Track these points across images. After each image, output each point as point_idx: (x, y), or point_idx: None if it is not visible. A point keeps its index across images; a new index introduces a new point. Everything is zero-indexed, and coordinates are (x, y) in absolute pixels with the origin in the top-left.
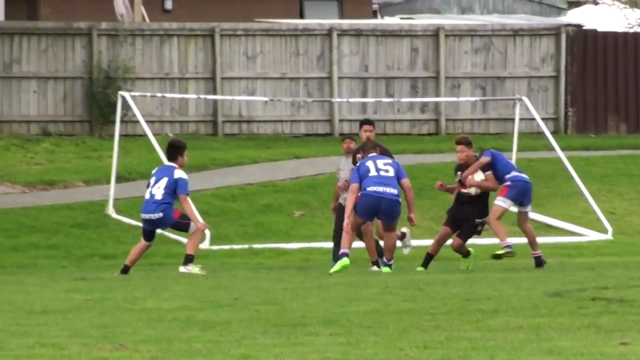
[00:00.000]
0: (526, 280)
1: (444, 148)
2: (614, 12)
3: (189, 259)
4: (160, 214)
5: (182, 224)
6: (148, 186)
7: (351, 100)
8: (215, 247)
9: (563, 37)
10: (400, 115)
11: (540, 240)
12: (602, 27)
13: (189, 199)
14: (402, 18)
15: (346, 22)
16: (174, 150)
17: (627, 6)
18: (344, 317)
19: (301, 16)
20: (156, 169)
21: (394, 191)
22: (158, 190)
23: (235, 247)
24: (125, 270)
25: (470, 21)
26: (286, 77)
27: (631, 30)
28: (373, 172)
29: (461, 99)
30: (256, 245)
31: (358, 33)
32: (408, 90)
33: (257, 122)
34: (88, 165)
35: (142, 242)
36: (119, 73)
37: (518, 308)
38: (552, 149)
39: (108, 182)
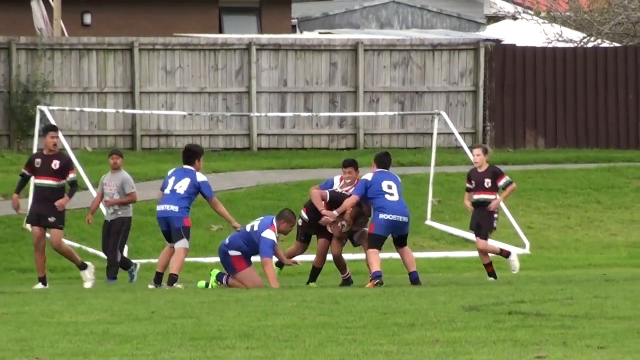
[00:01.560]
0: (443, 294)
1: (362, 162)
2: (532, 27)
3: (173, 279)
4: (176, 208)
5: (181, 234)
6: (163, 188)
7: (269, 114)
8: (133, 261)
9: (482, 51)
10: (318, 130)
11: (457, 254)
12: (521, 42)
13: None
14: (320, 33)
15: (265, 37)
16: (192, 154)
17: (546, 21)
18: (261, 331)
19: (220, 30)
20: (172, 170)
21: None
22: (180, 188)
23: (152, 260)
24: (159, 278)
25: (389, 36)
26: (205, 91)
27: (550, 45)
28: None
29: (380, 113)
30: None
31: (277, 47)
32: (327, 104)
33: (176, 136)
34: (6, 179)
35: (167, 246)
36: (38, 87)
37: (434, 322)
38: (470, 163)
39: (26, 196)
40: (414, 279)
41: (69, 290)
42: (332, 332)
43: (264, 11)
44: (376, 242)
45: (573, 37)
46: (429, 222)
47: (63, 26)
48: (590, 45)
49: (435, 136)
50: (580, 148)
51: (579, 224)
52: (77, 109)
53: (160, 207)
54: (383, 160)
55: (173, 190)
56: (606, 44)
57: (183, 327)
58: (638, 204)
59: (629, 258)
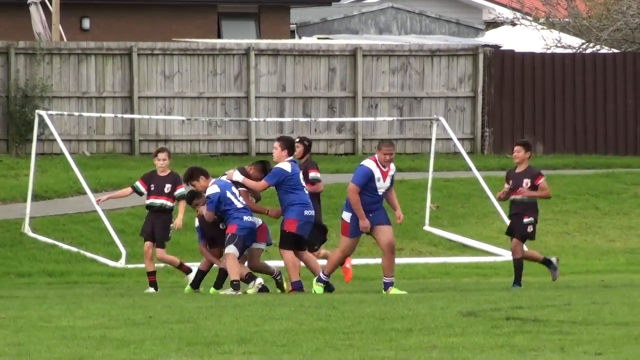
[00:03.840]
0: (441, 299)
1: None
2: (531, 33)
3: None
4: None
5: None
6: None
7: (268, 119)
8: (130, 266)
9: (481, 57)
10: (317, 135)
11: (455, 260)
12: (520, 48)
13: None
14: (319, 38)
15: (264, 42)
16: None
17: (545, 27)
18: (258, 336)
19: (219, 36)
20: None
21: None
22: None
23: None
24: (239, 283)
25: (387, 41)
26: (203, 96)
27: (549, 51)
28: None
29: (378, 118)
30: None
31: (275, 53)
32: (325, 110)
33: (174, 141)
34: (5, 183)
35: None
36: (37, 92)
37: (432, 327)
38: (468, 169)
39: (24, 200)
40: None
41: (67, 294)
42: (329, 338)
43: (262, 16)
44: (294, 243)
45: (572, 43)
46: (427, 227)
47: (62, 31)
48: (589, 51)
49: (433, 142)
50: (579, 154)
51: (577, 230)
52: (76, 113)
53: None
54: (293, 147)
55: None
56: (605, 50)
57: (180, 331)
58: (636, 210)
59: (627, 264)
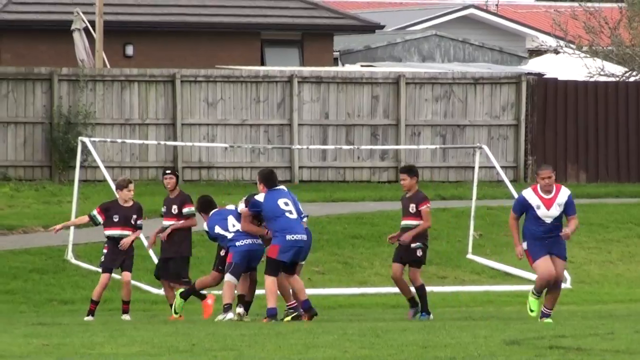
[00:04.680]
0: (484, 328)
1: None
2: (574, 61)
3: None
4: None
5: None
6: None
7: (311, 147)
8: None
9: (523, 85)
10: (360, 163)
11: (498, 288)
12: (562, 76)
13: None
14: (362, 65)
15: (307, 69)
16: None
17: (588, 55)
18: None
19: (262, 63)
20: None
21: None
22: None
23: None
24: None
25: (431, 69)
26: (246, 123)
27: (591, 80)
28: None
29: (421, 146)
30: (215, 292)
31: (319, 80)
32: (368, 137)
33: (217, 168)
34: (48, 210)
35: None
36: (80, 118)
37: (475, 356)
38: (511, 197)
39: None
40: (307, 307)
41: (110, 321)
42: None
43: (305, 44)
44: (277, 269)
45: (615, 71)
46: (470, 256)
47: (105, 57)
48: (632, 79)
49: (477, 170)
50: (622, 182)
51: (620, 259)
52: (119, 140)
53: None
54: (270, 177)
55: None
56: None
57: (224, 359)
58: None
59: None
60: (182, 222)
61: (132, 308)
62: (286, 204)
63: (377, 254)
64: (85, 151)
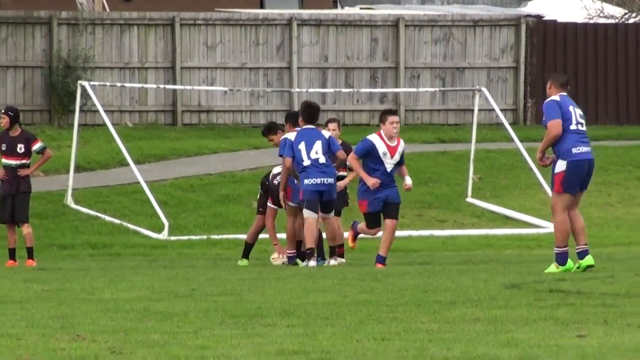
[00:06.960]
0: (484, 272)
1: (403, 138)
2: (574, 3)
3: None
4: (332, 180)
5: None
6: (291, 155)
7: (310, 90)
8: (173, 238)
9: (523, 27)
10: (359, 106)
11: (498, 231)
12: (562, 18)
13: None
14: (362, 8)
15: (306, 12)
16: (316, 111)
17: None
18: (301, 309)
19: (261, 6)
20: (296, 134)
21: None
22: (318, 155)
23: (193, 237)
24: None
25: (430, 11)
26: (246, 67)
27: (591, 21)
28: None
29: (420, 89)
30: (214, 236)
31: (318, 23)
32: (367, 80)
33: (217, 112)
34: None
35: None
36: (79, 62)
37: (475, 300)
38: (511, 140)
39: (67, 171)
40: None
41: (109, 267)
42: (373, 310)
43: None
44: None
45: (614, 13)
46: (469, 199)
47: (104, 1)
48: (631, 21)
49: (476, 113)
50: (622, 125)
51: (620, 202)
52: (118, 84)
53: (317, 180)
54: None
55: (315, 160)
56: None
57: (224, 304)
58: None
59: None
60: (42, 158)
61: (133, 252)
62: None
63: None
64: (85, 95)
